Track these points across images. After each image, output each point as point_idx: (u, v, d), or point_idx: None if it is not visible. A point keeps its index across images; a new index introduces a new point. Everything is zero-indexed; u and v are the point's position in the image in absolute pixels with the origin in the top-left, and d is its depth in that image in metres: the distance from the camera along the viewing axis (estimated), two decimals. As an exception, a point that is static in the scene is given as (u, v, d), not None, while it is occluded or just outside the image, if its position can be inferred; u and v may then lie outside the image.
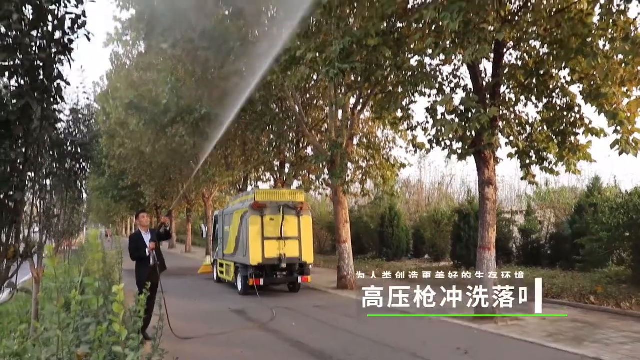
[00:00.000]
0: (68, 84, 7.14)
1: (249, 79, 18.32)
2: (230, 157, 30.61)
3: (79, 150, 13.90)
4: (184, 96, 23.34)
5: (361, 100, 20.91)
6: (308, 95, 25.54)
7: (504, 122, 15.20)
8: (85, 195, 20.32)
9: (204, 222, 44.86)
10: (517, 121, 15.61)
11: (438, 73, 15.23)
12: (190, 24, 19.24)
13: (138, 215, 11.93)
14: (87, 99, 19.49)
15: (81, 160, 14.28)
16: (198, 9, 19.23)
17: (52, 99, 6.95)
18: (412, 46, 14.41)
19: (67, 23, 6.91)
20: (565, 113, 14.94)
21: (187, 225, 57.29)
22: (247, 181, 33.04)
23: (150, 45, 24.31)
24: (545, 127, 15.45)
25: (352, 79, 17.29)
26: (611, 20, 13.17)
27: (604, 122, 13.54)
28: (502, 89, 14.94)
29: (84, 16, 7.04)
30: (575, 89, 14.59)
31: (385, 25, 13.21)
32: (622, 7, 13.06)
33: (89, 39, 7.35)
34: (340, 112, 21.61)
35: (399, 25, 13.82)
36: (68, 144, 13.51)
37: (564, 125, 14.94)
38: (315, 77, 21.14)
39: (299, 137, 26.47)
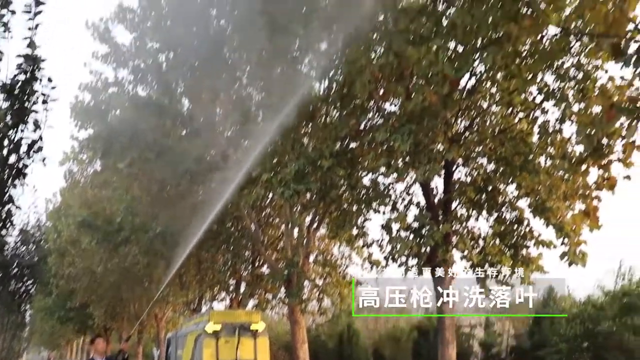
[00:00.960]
0: (19, 208, 7.00)
1: (206, 198, 18.40)
2: (184, 276, 29.87)
3: (26, 272, 13.37)
4: (138, 214, 23.11)
5: (317, 219, 21.12)
6: (264, 214, 25.65)
7: (458, 237, 15.50)
8: (28, 318, 19.25)
9: (156, 345, 42.72)
10: (470, 236, 15.95)
11: (391, 191, 15.65)
12: (148, 144, 19.47)
13: (94, 341, 11.36)
14: (38, 219, 19.06)
15: (27, 282, 13.69)
16: (156, 129, 19.58)
17: (1, 225, 6.76)
18: (365, 164, 14.90)
19: (23, 148, 6.88)
20: (515, 226, 15.39)
21: (137, 348, 54.33)
22: (201, 301, 32.06)
23: (106, 164, 24.36)
24: (497, 241, 15.82)
25: (307, 198, 17.57)
26: (549, 139, 14.09)
27: (552, 234, 14.02)
28: (454, 205, 15.40)
29: (41, 140, 7.05)
30: (523, 203, 15.16)
31: (338, 145, 13.70)
32: (557, 127, 14.07)
33: (44, 164, 7.31)
34: (296, 230, 21.69)
35: (352, 145, 14.37)
36: (14, 265, 13.01)
37: (515, 238, 15.33)
38: (270, 196, 21.40)
39: (254, 256, 26.19)
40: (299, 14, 14.25)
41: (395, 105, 14.45)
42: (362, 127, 14.45)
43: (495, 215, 15.62)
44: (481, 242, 15.98)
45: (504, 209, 15.59)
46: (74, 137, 26.54)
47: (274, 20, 13.61)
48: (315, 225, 21.20)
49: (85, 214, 26.97)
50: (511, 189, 15.26)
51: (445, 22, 11.92)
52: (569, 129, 14.09)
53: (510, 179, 14.60)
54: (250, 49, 15.86)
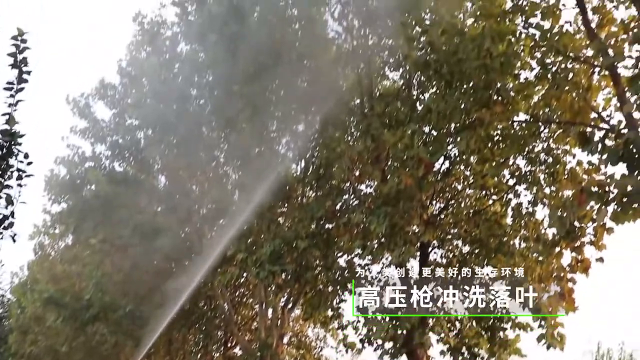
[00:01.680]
0: None
1: (178, 277, 18.01)
2: (153, 356, 28.69)
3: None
4: (108, 291, 22.44)
5: (291, 299, 20.73)
6: (237, 293, 25.11)
7: (434, 320, 15.28)
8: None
9: None
10: (446, 318, 15.74)
11: (367, 272, 15.51)
12: (122, 220, 19.21)
13: None
14: (2, 295, 18.35)
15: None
16: (131, 205, 19.37)
17: None
18: (341, 245, 14.83)
19: None
20: (491, 309, 15.24)
21: None
22: (171, 383, 30.66)
23: (78, 239, 23.86)
24: (474, 323, 15.63)
25: (283, 278, 17.32)
26: (522, 222, 14.28)
27: (530, 317, 13.96)
28: (430, 286, 15.27)
29: (12, 217, 6.88)
30: (499, 285, 15.08)
31: (314, 226, 13.67)
32: (530, 210, 14.32)
33: (14, 240, 7.12)
34: (270, 310, 21.20)
35: (328, 226, 14.35)
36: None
37: (492, 320, 15.18)
38: (245, 276, 21.06)
39: (227, 337, 25.39)
40: (277, 96, 14.62)
41: (370, 187, 14.63)
42: (338, 208, 14.49)
43: (471, 297, 15.50)
44: (458, 325, 15.78)
45: (480, 290, 15.50)
46: (47, 210, 26.10)
47: (252, 101, 13.89)
48: (289, 306, 20.76)
49: (52, 290, 26.01)
50: (487, 271, 15.24)
51: (420, 107, 12.33)
52: (542, 212, 14.36)
53: (486, 261, 14.61)
54: (228, 128, 16.07)
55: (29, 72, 6.85)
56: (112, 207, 19.23)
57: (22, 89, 6.86)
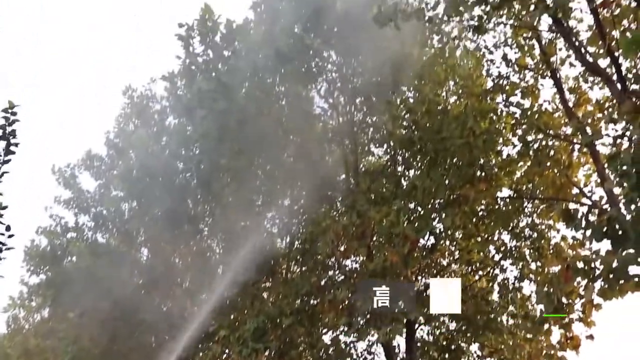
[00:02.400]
0: None
1: (159, 353, 17.41)
2: None
3: None
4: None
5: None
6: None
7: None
8: None
9: None
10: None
11: (352, 350, 15.14)
12: (103, 293, 18.73)
13: None
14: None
15: None
16: (112, 278, 18.95)
17: None
18: (326, 322, 14.53)
19: None
20: (482, 388, 14.88)
21: None
22: None
23: (55, 312, 23.14)
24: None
25: (266, 356, 16.83)
26: (509, 297, 14.16)
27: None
28: (417, 364, 14.91)
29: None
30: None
31: (299, 302, 13.43)
32: (517, 285, 14.24)
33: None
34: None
35: (313, 302, 14.10)
36: None
37: (482, 401, 14.77)
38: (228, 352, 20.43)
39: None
40: (263, 170, 14.70)
41: (356, 263, 14.53)
42: (323, 283, 14.29)
43: (460, 375, 15.14)
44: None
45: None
46: (24, 282, 25.42)
47: (238, 175, 13.94)
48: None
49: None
50: (474, 348, 14.98)
51: (405, 184, 12.46)
52: (529, 288, 14.29)
53: (474, 338, 14.36)
54: (214, 202, 16.03)
55: (16, 144, 6.86)
56: (93, 280, 18.79)
57: (8, 160, 6.84)
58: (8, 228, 6.88)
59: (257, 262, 13.31)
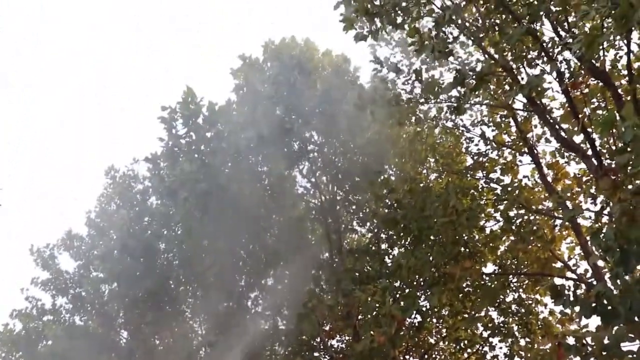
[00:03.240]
0: None
1: None
2: None
3: None
4: None
5: None
6: None
7: None
8: None
9: None
10: None
11: None
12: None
13: None
14: None
15: None
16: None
17: None
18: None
19: None
20: None
21: None
22: None
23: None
24: None
25: None
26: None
27: None
28: None
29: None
30: None
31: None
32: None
33: None
34: None
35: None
36: None
37: None
38: None
39: None
40: (246, 250, 14.55)
41: (342, 342, 14.15)
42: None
43: None
44: None
45: None
46: None
47: (221, 256, 13.77)
48: None
49: None
50: None
51: (389, 262, 12.36)
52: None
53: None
54: (195, 283, 15.73)
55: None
56: (67, 367, 18.06)
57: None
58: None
59: (240, 344, 12.92)
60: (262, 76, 15.58)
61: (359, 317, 13.00)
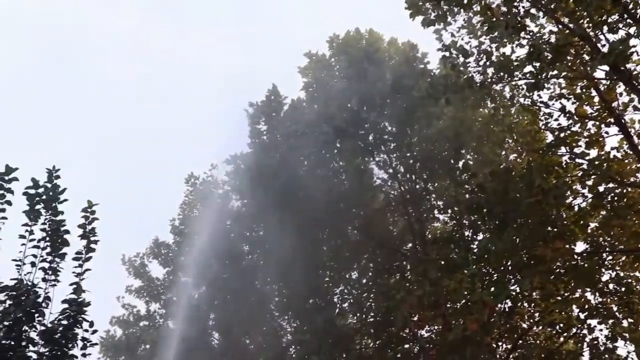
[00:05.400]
0: None
1: None
2: None
3: None
4: None
5: None
6: None
7: None
8: None
9: None
10: None
11: None
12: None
13: None
14: None
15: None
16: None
17: None
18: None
19: None
20: None
21: None
22: None
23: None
24: None
25: None
26: (602, 360, 13.12)
27: None
28: None
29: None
30: None
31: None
32: (610, 346, 13.17)
33: None
34: None
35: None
36: None
37: None
38: None
39: None
40: (328, 246, 14.62)
41: (431, 332, 13.96)
42: (399, 356, 13.77)
43: None
44: None
45: None
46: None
47: (304, 253, 13.90)
48: None
49: None
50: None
51: (475, 248, 12.06)
52: (624, 348, 13.21)
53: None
54: (281, 281, 15.97)
55: (96, 242, 7.05)
56: (166, 369, 18.82)
57: (90, 258, 7.01)
58: (92, 324, 6.97)
59: (330, 339, 13.01)
60: (330, 71, 15.62)
61: (448, 305, 12.79)
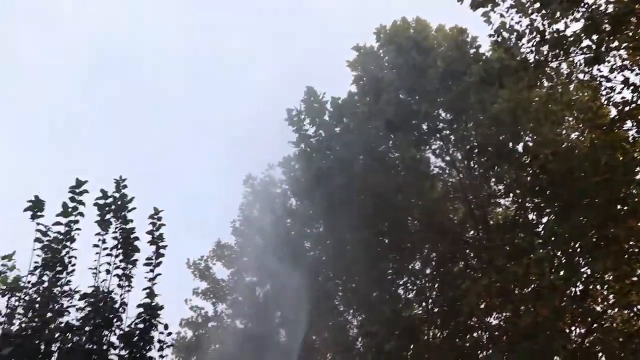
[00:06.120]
0: None
1: None
2: None
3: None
4: None
5: None
6: None
7: None
8: None
9: None
10: None
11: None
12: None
13: None
14: None
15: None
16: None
17: None
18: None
19: None
20: None
21: None
22: None
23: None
24: None
25: None
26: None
27: None
28: None
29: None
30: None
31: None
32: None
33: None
34: None
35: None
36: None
37: None
38: None
39: None
40: (390, 238, 14.55)
41: (499, 320, 13.66)
42: (468, 345, 13.57)
43: None
44: None
45: None
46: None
47: (365, 247, 13.89)
48: None
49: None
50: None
51: (541, 232, 11.73)
52: None
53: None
54: (344, 276, 16.00)
55: (164, 247, 7.26)
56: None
57: (160, 263, 7.23)
58: (166, 327, 7.19)
59: (397, 330, 12.96)
60: (380, 63, 15.48)
61: (516, 292, 12.48)
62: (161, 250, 7.26)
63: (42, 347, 6.39)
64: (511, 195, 13.84)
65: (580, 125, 13.77)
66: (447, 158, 14.54)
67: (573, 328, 14.09)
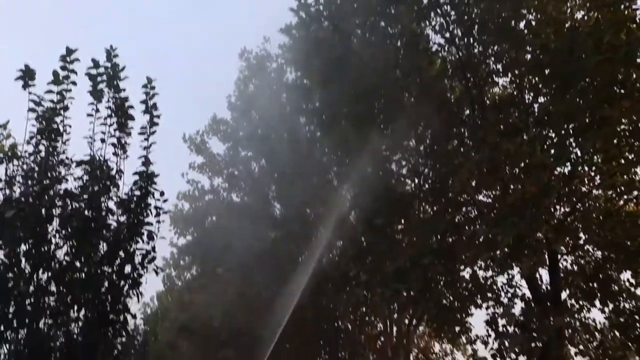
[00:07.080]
0: (134, 317, 7.19)
1: (300, 299, 18.28)
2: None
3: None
4: (235, 318, 23.19)
5: (416, 316, 20.35)
6: (359, 313, 25.06)
7: (571, 332, 14.33)
8: None
9: None
10: (584, 329, 14.71)
11: (493, 285, 14.90)
12: (244, 249, 19.85)
13: None
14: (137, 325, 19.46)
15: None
16: (251, 234, 19.97)
17: (116, 332, 6.94)
18: (463, 257, 14.37)
19: (137, 258, 7.13)
20: (637, 317, 14.03)
21: None
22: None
23: (203, 269, 24.94)
24: (617, 334, 14.44)
25: (406, 296, 17.08)
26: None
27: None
28: (563, 295, 14.37)
29: (154, 251, 7.29)
30: (643, 290, 13.89)
31: (436, 241, 13.39)
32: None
33: (157, 274, 7.54)
34: (394, 329, 20.95)
35: (450, 239, 13.99)
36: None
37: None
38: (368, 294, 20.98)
39: (352, 357, 25.32)
40: (385, 114, 14.54)
41: (489, 197, 14.08)
42: (457, 220, 14.08)
43: (611, 305, 14.37)
44: (598, 336, 14.65)
45: (620, 298, 14.35)
46: (174, 243, 27.49)
47: (361, 121, 13.91)
48: (414, 323, 20.38)
49: (184, 318, 27.34)
50: (627, 276, 14.08)
51: (536, 112, 11.76)
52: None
53: (625, 266, 13.50)
54: (339, 151, 16.17)
55: (158, 116, 7.32)
56: (234, 237, 19.98)
57: (154, 132, 7.33)
58: (162, 194, 7.42)
59: (388, 206, 13.37)
60: None
61: (507, 170, 12.75)
62: (155, 120, 7.34)
63: (44, 211, 6.62)
64: (509, 74, 13.68)
65: (587, 5, 13.28)
66: (447, 35, 14.16)
67: (558, 207, 14.61)
